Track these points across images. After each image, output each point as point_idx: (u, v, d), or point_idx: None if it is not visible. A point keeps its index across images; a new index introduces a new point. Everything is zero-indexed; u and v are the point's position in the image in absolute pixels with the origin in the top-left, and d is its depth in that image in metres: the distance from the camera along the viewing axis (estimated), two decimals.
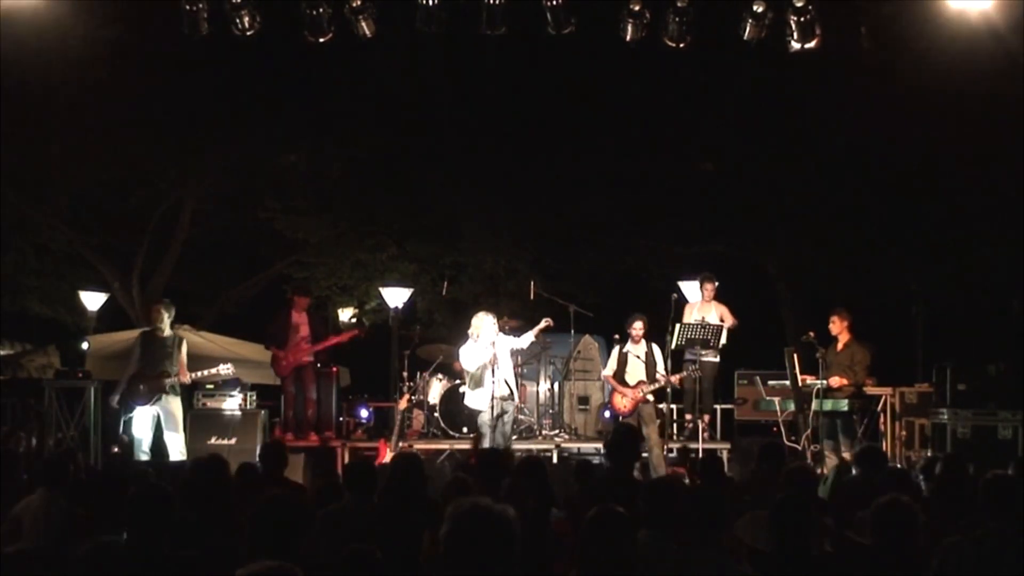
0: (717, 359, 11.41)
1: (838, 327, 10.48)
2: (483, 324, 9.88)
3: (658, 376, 10.47)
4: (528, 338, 10.23)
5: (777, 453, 6.85)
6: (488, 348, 9.75)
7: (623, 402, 10.47)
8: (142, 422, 10.00)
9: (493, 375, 9.68)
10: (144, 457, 9.84)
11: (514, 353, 10.36)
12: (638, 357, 10.54)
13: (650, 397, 10.42)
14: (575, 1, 8.88)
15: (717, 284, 11.83)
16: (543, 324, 10.17)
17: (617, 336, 11.61)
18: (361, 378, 14.62)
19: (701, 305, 11.69)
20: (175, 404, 10.10)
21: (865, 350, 10.42)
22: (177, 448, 10.05)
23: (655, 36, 9.08)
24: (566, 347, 12.38)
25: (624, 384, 10.53)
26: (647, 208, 16.40)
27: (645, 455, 10.51)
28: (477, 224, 17.22)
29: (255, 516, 3.95)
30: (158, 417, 10.02)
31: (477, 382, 9.90)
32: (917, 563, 4.38)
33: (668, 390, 10.86)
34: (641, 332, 10.59)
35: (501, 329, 10.21)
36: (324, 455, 11.08)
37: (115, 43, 12.09)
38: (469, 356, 10.01)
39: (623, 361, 10.60)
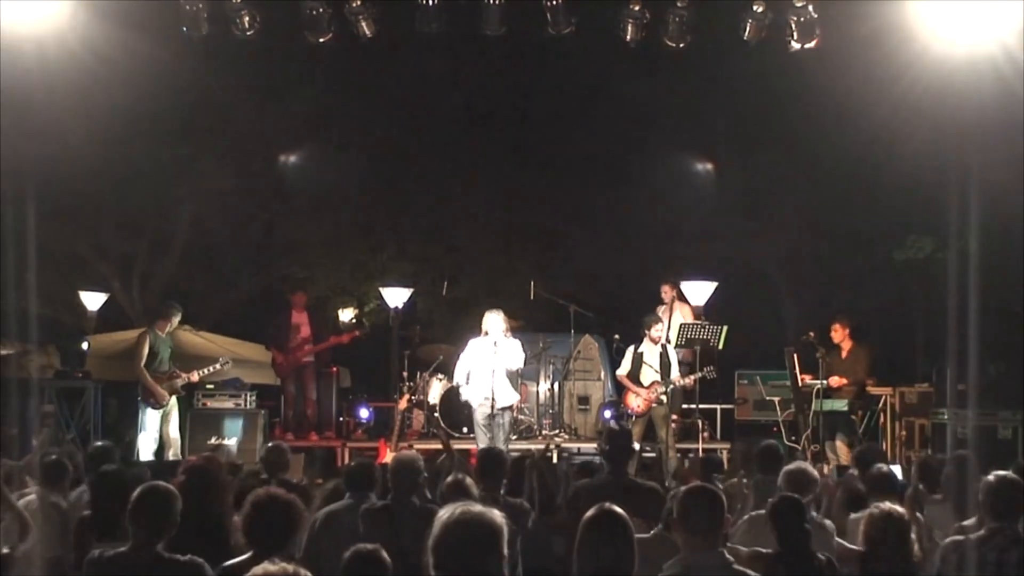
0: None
1: (840, 334, 10.48)
2: (488, 321, 9.83)
3: (673, 378, 10.42)
4: (519, 360, 10.02)
5: (775, 454, 6.83)
6: (490, 346, 9.72)
7: (636, 402, 10.33)
8: (152, 425, 10.04)
9: (493, 374, 9.64)
10: (150, 458, 9.89)
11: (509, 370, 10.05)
12: (654, 358, 10.42)
13: (663, 399, 10.31)
14: (575, 1, 8.88)
15: (675, 287, 11.72)
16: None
17: (617, 336, 11.58)
18: (361, 378, 14.59)
19: (672, 311, 11.56)
20: (176, 404, 10.18)
21: (865, 350, 10.43)
22: (174, 447, 10.09)
23: (655, 36, 9.08)
24: (566, 347, 12.37)
25: (639, 384, 10.43)
26: (647, 208, 16.37)
27: (651, 455, 10.53)
28: (477, 224, 17.20)
29: (248, 515, 3.94)
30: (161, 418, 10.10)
31: (470, 377, 9.88)
32: (911, 569, 4.40)
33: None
34: (660, 333, 10.54)
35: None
36: (326, 455, 11.08)
37: (115, 42, 12.07)
38: (467, 351, 9.99)
39: (638, 362, 10.46)
